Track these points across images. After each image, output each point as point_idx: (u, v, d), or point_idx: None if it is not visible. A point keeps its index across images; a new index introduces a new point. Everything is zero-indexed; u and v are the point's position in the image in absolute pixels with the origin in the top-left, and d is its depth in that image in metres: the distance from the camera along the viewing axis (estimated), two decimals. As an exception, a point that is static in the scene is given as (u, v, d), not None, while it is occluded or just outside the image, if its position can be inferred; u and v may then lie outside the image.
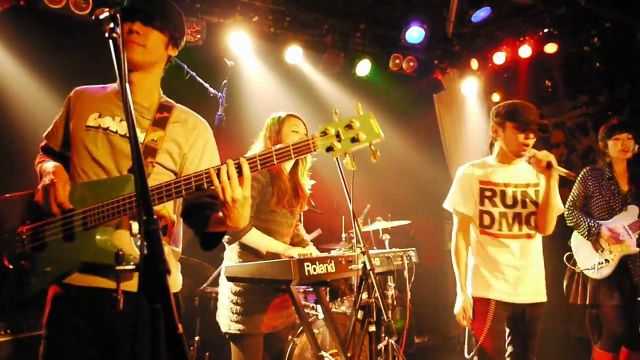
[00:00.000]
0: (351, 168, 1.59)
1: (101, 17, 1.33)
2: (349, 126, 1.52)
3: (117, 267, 1.07)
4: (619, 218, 3.63)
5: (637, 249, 3.52)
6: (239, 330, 2.74)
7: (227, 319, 2.80)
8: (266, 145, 2.91)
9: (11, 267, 1.75)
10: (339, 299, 3.72)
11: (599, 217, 3.72)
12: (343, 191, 2.52)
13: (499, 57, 5.72)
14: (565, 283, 3.87)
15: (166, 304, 1.00)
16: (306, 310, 3.37)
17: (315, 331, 3.13)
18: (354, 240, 2.50)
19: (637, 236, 3.54)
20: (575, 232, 3.81)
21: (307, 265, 2.52)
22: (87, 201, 1.68)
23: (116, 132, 1.81)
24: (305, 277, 2.51)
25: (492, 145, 2.96)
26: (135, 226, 1.58)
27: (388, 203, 5.63)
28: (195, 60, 3.93)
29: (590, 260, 3.66)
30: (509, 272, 2.78)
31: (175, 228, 1.90)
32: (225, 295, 2.85)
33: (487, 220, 2.84)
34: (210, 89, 3.72)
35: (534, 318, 2.81)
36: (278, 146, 1.55)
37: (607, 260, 3.58)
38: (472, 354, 2.79)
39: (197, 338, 3.89)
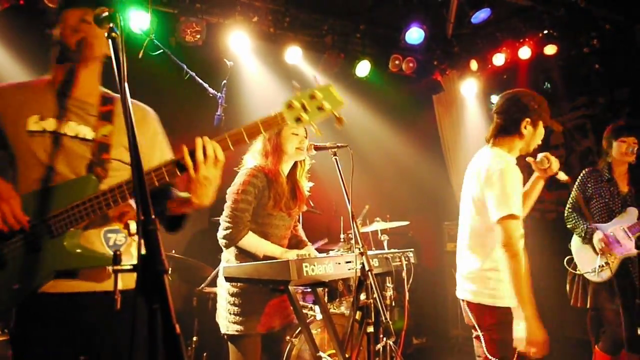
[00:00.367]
0: (319, 135, 1.68)
1: (102, 16, 1.33)
2: (312, 97, 1.59)
3: (115, 267, 1.07)
4: (618, 220, 3.63)
5: (637, 251, 3.52)
6: (236, 331, 2.74)
7: (225, 319, 2.79)
8: (264, 147, 2.85)
9: None
10: (337, 300, 3.70)
11: (598, 219, 3.72)
12: (342, 192, 2.52)
13: (499, 59, 5.72)
14: (567, 287, 3.85)
15: (164, 304, 1.00)
16: (304, 311, 3.36)
17: (314, 332, 3.12)
18: (353, 241, 2.50)
19: (636, 238, 3.55)
20: (575, 236, 3.82)
21: (306, 266, 2.52)
22: (47, 209, 1.63)
23: (65, 134, 1.73)
24: (304, 278, 2.50)
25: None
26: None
27: (387, 204, 5.62)
28: (195, 61, 3.93)
29: (591, 263, 3.65)
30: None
31: None
32: (223, 296, 2.84)
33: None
34: (210, 89, 3.71)
35: None
36: (247, 124, 1.62)
37: (607, 263, 3.57)
38: None
39: (194, 338, 3.89)
